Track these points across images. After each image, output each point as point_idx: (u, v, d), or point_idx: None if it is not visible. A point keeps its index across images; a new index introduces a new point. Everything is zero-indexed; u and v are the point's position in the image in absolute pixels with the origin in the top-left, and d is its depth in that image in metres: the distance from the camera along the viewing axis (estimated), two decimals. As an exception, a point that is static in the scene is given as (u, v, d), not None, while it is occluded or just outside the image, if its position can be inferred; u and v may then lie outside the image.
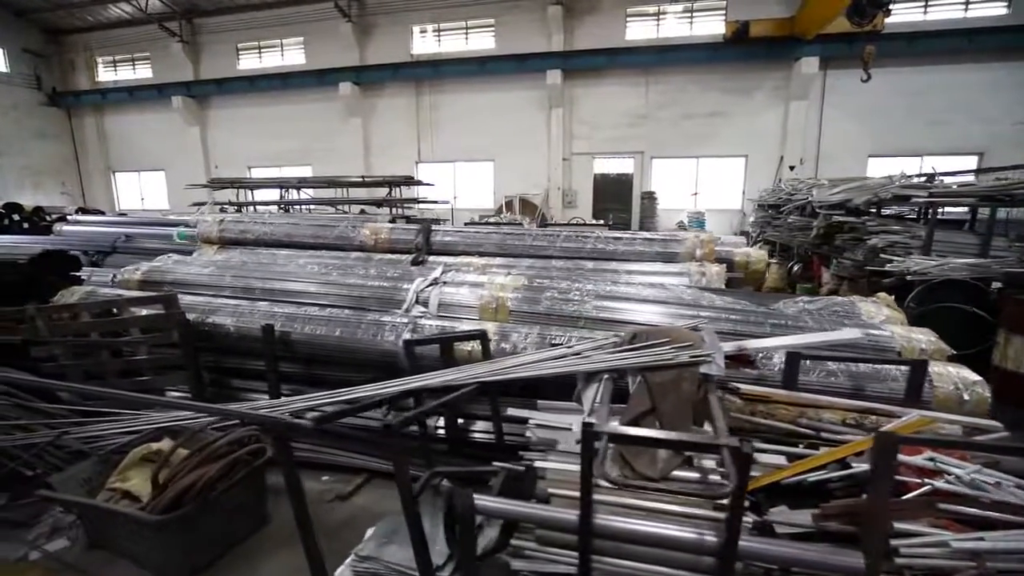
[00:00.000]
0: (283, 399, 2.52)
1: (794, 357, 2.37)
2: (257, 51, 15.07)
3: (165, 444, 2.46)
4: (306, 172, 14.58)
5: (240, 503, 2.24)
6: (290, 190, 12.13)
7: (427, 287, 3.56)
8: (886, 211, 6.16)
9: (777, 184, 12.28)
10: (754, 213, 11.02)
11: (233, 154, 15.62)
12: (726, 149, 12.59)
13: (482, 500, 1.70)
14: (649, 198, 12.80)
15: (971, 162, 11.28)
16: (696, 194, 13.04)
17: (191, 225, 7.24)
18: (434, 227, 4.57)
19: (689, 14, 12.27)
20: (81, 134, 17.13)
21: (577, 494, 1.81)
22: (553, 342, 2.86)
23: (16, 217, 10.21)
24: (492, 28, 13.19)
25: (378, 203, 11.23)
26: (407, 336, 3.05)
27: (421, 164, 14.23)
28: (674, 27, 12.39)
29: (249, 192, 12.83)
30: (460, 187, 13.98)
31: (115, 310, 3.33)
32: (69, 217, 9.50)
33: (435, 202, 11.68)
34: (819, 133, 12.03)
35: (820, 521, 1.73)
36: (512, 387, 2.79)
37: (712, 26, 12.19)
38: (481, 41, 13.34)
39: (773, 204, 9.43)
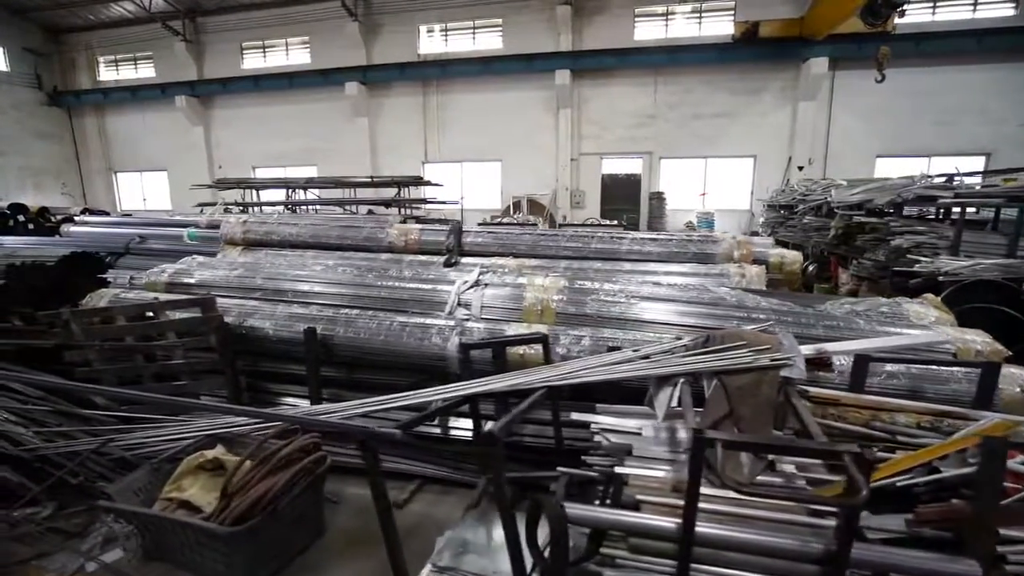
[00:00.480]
0: (343, 404, 2.46)
1: (863, 359, 2.34)
2: (261, 50, 14.96)
3: (218, 451, 2.40)
4: (311, 172, 14.48)
5: (301, 513, 2.18)
6: (296, 190, 12.06)
7: (468, 289, 3.52)
8: (907, 212, 6.16)
9: (786, 184, 12.32)
10: (764, 213, 11.04)
11: (237, 154, 15.50)
12: (735, 149, 12.60)
13: (573, 508, 1.65)
14: (658, 198, 12.80)
15: (978, 163, 11.35)
16: (704, 194, 13.05)
17: (201, 226, 7.19)
18: (464, 228, 4.52)
19: (698, 14, 12.28)
20: (82, 134, 16.94)
21: (669, 501, 1.77)
22: (611, 345, 2.81)
23: (21, 218, 10.08)
24: (500, 28, 13.15)
25: (386, 203, 11.15)
26: (455, 339, 3.00)
27: (428, 164, 14.16)
28: (683, 27, 12.39)
29: (254, 192, 12.73)
30: (467, 187, 13.92)
31: (151, 313, 3.26)
32: (76, 218, 9.37)
33: (444, 202, 11.62)
34: (827, 133, 12.06)
35: (916, 526, 1.69)
36: (563, 391, 2.76)
37: (720, 26, 12.20)
38: (488, 41, 13.30)
39: (785, 204, 9.44)
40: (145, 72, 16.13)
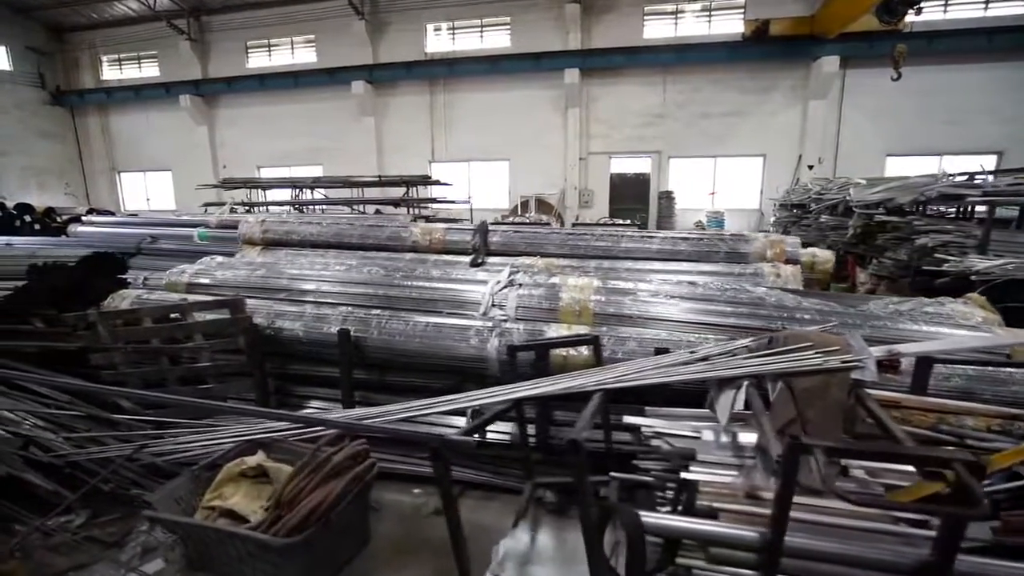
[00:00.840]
0: (386, 408, 2.39)
1: (925, 361, 2.27)
2: (267, 49, 14.86)
3: (259, 458, 2.32)
4: (316, 172, 14.37)
5: (348, 522, 2.11)
6: (304, 190, 11.98)
7: (502, 289, 3.45)
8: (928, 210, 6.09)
9: (796, 183, 12.27)
10: (775, 212, 10.98)
11: (242, 154, 15.40)
12: (744, 148, 12.54)
13: (649, 517, 1.58)
14: (667, 198, 12.74)
15: (989, 161, 11.29)
16: (714, 193, 12.99)
17: (211, 226, 7.10)
18: (490, 227, 4.45)
19: (707, 13, 12.22)
20: (85, 134, 16.83)
21: (749, 508, 1.70)
22: (657, 347, 2.74)
23: (27, 218, 9.98)
24: (508, 26, 13.07)
25: (395, 203, 11.09)
26: (495, 341, 2.94)
27: (435, 163, 14.08)
28: (692, 26, 12.33)
29: (261, 192, 12.65)
30: (474, 187, 13.84)
31: (178, 315, 3.19)
32: (83, 218, 9.27)
33: (452, 202, 11.55)
34: (837, 132, 12.01)
35: (1003, 534, 1.62)
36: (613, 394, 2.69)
37: (730, 25, 12.14)
38: (496, 39, 13.22)
39: (799, 203, 9.38)
40: (149, 71, 16.02)
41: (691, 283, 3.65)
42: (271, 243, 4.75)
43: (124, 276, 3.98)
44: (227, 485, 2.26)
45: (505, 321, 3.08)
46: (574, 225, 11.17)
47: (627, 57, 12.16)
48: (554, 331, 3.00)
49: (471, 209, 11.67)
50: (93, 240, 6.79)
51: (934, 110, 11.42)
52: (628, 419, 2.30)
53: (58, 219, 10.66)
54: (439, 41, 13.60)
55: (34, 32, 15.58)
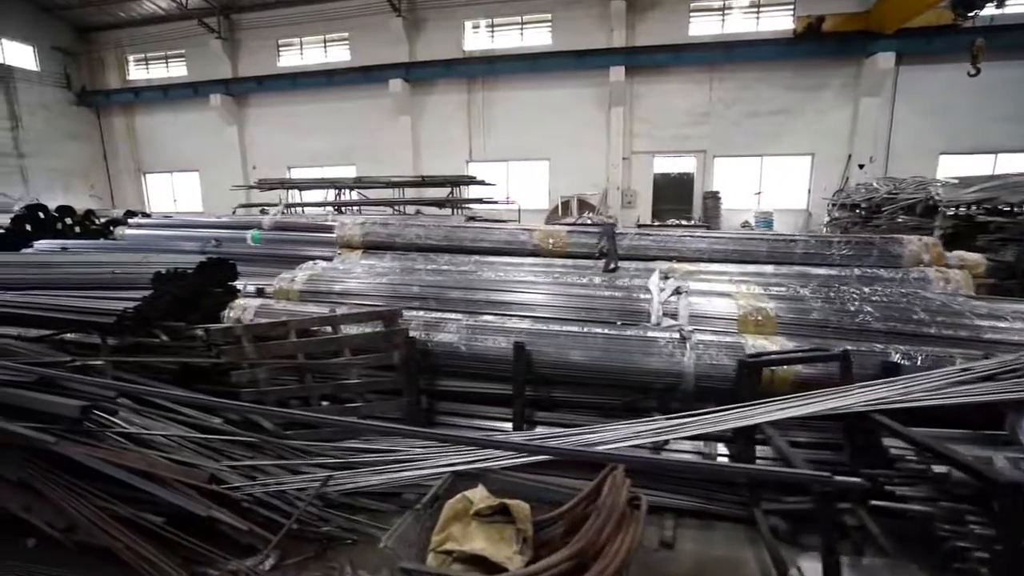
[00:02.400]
0: (604, 431, 2.12)
1: None
2: (299, 48, 14.60)
3: (482, 493, 2.05)
4: (349, 172, 14.12)
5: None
6: (342, 191, 11.72)
7: (670, 296, 3.19)
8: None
9: (845, 183, 12.01)
10: (830, 212, 10.69)
11: (272, 154, 15.14)
12: (792, 147, 12.27)
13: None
14: (713, 198, 12.47)
15: (1048, 160, 11.02)
16: (760, 193, 12.72)
17: (264, 228, 6.85)
18: (617, 230, 4.18)
19: (756, 9, 11.95)
20: (110, 134, 16.58)
21: None
22: (884, 361, 2.47)
23: (68, 221, 9.71)
24: (549, 24, 12.81)
25: (439, 203, 10.82)
26: (691, 354, 2.67)
27: (472, 163, 13.82)
28: (740, 23, 12.07)
29: (296, 193, 12.38)
30: (512, 187, 13.57)
31: (329, 328, 2.92)
32: (130, 221, 9.01)
33: (495, 202, 11.29)
34: (889, 131, 11.73)
35: None
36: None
37: (778, 21, 11.88)
38: (537, 37, 12.96)
39: (861, 203, 9.10)
40: (176, 71, 15.77)
41: (860, 289, 3.39)
42: (373, 246, 4.48)
43: (234, 284, 3.71)
44: (453, 525, 1.99)
45: (694, 332, 2.81)
46: (640, 226, 10.88)
47: (675, 55, 11.89)
48: (750, 343, 2.75)
49: (519, 210, 11.41)
50: (145, 243, 6.50)
51: (991, 107, 11.14)
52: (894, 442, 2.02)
53: (95, 222, 10.40)
54: (477, 39, 13.33)
55: (60, 32, 15.33)
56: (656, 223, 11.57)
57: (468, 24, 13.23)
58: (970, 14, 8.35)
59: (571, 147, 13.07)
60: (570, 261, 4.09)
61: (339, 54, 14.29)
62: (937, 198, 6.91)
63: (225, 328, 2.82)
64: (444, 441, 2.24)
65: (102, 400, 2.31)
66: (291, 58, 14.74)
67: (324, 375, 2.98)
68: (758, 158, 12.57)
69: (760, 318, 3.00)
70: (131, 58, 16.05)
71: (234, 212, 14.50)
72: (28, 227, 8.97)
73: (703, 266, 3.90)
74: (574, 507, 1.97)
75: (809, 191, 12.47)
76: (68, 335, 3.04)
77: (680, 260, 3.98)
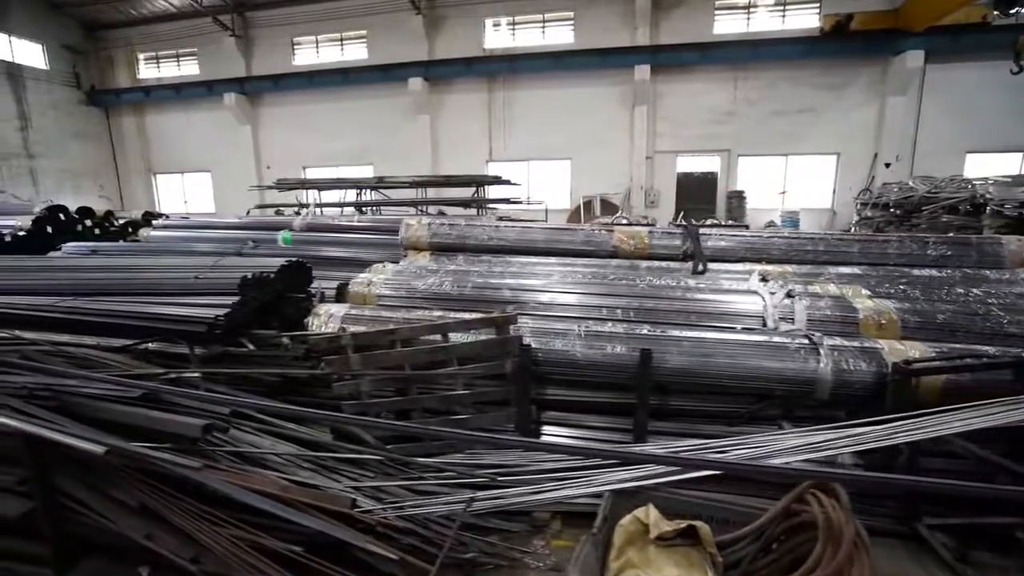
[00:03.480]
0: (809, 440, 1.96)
1: None
2: (314, 45, 14.38)
3: (651, 512, 1.89)
4: (366, 172, 13.92)
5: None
6: (350, 190, 11.51)
7: (783, 299, 3.04)
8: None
9: (871, 181, 11.95)
10: (859, 212, 10.61)
11: (287, 154, 14.91)
12: (817, 147, 12.19)
13: None
14: (738, 197, 12.37)
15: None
16: (784, 193, 12.63)
17: (296, 229, 6.69)
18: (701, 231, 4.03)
19: (781, 7, 11.86)
20: (119, 134, 16.29)
21: None
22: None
23: (88, 222, 9.47)
24: (571, 21, 12.67)
25: (464, 204, 10.65)
26: (827, 360, 2.52)
27: (492, 163, 13.65)
28: (765, 21, 11.97)
29: (312, 193, 12.14)
30: (533, 187, 13.41)
31: (439, 336, 2.75)
32: (154, 222, 8.78)
33: (519, 201, 11.11)
34: (915, 129, 11.66)
35: None
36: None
37: (803, 19, 11.79)
38: (559, 35, 12.81)
39: (898, 202, 9.01)
40: (187, 69, 15.51)
41: (969, 290, 3.26)
42: (440, 248, 4.31)
43: (311, 288, 3.54)
44: (629, 549, 1.83)
45: (824, 338, 2.66)
46: (679, 226, 10.71)
47: (700, 53, 11.78)
48: (885, 347, 2.60)
49: (546, 211, 11.26)
50: (174, 245, 6.28)
51: (1019, 105, 11.07)
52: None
53: (115, 223, 10.17)
54: (497, 37, 13.17)
55: (69, 30, 15.04)
56: (693, 222, 11.41)
57: (489, 22, 13.06)
58: (1011, 11, 8.26)
59: (593, 146, 12.93)
60: (654, 263, 3.94)
61: (356, 52, 14.08)
62: (988, 196, 6.81)
63: (331, 336, 2.64)
64: (597, 456, 2.08)
65: (217, 417, 2.14)
66: (306, 56, 14.52)
67: (427, 386, 2.81)
68: (783, 157, 12.47)
69: (884, 321, 2.86)
70: (141, 56, 15.77)
71: (247, 213, 14.30)
72: (49, 229, 8.75)
73: (790, 268, 3.76)
74: (763, 527, 1.82)
75: (834, 190, 12.39)
76: (150, 344, 2.85)
77: (769, 262, 3.84)
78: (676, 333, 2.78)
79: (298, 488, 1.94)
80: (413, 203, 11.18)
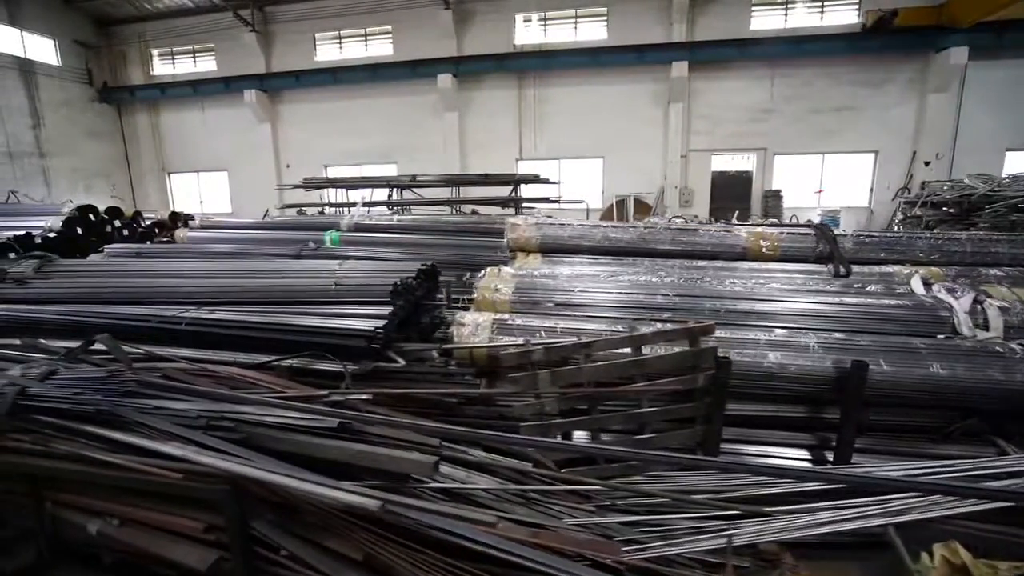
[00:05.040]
0: None
1: None
2: (337, 41, 14.02)
3: (961, 552, 1.64)
4: (390, 170, 13.63)
5: None
6: (391, 189, 11.20)
7: (973, 304, 2.80)
8: None
9: (909, 180, 11.83)
10: (904, 211, 10.45)
11: (307, 152, 14.55)
12: (855, 144, 12.03)
13: None
14: (775, 196, 12.19)
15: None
16: (821, 192, 12.47)
17: (343, 229, 6.41)
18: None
19: (820, 3, 11.68)
20: (133, 132, 15.82)
21: None
22: None
23: (117, 223, 9.08)
24: (604, 17, 12.41)
25: (503, 203, 10.37)
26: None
27: (522, 161, 13.38)
28: (803, 17, 11.79)
29: (336, 193, 11.81)
30: (564, 186, 13.14)
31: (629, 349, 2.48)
32: (191, 223, 8.42)
33: (555, 200, 10.84)
34: (956, 127, 11.54)
35: None
36: None
37: (842, 15, 11.63)
38: (592, 31, 12.56)
39: (953, 201, 8.85)
40: (204, 66, 15.08)
41: None
42: (550, 250, 4.04)
43: (440, 294, 3.25)
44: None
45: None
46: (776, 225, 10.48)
47: (739, 50, 11.57)
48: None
49: (587, 210, 11.01)
50: (216, 247, 5.87)
51: (1060, 103, 11.01)
52: None
53: (143, 223, 9.78)
54: (528, 33, 12.88)
55: (81, 25, 14.55)
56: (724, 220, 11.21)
57: (519, 17, 12.78)
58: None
59: (626, 145, 12.69)
60: (790, 265, 3.69)
61: (380, 48, 13.73)
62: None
63: (521, 351, 2.36)
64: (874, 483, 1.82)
65: (423, 447, 1.86)
66: (328, 52, 14.15)
67: (610, 404, 2.54)
68: (819, 156, 12.31)
69: (1096, 330, 2.63)
70: (155, 52, 15.31)
71: (266, 214, 13.91)
72: (79, 230, 8.38)
73: (936, 269, 3.53)
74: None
75: (871, 189, 12.25)
76: (290, 360, 2.55)
77: (914, 263, 3.61)
78: (870, 341, 2.54)
79: (550, 534, 1.66)
80: (448, 202, 10.89)
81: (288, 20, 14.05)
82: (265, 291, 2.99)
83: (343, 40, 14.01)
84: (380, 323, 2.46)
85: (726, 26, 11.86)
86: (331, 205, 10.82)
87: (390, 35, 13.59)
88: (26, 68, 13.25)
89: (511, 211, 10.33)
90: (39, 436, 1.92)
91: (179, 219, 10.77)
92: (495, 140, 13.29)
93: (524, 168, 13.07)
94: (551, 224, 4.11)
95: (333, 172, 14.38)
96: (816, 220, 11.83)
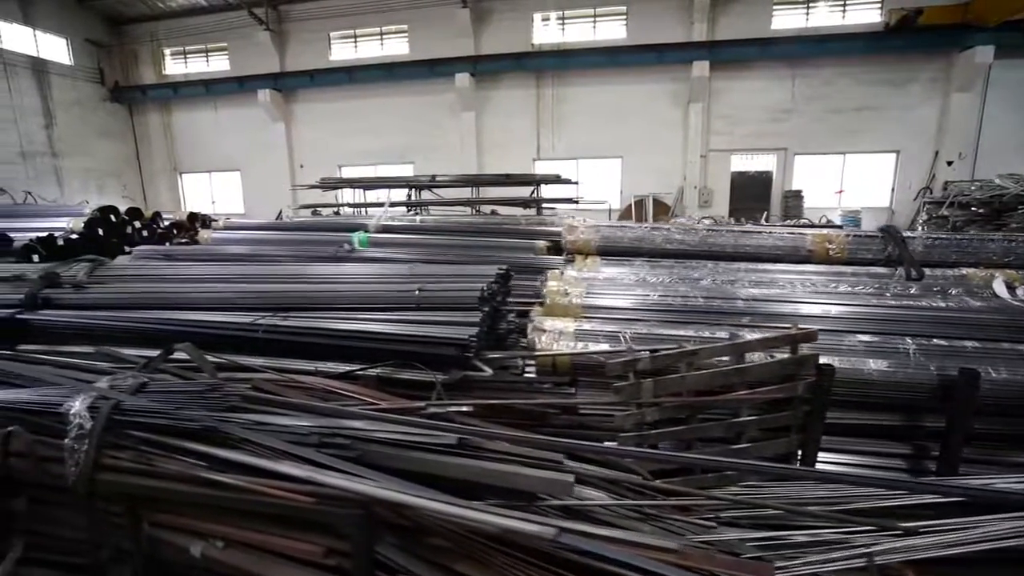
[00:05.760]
0: None
1: None
2: (352, 40, 13.92)
3: None
4: (406, 171, 13.54)
5: None
6: (410, 190, 11.10)
7: (1076, 313, 2.70)
8: None
9: (931, 180, 11.76)
10: (928, 211, 10.35)
11: (321, 152, 14.45)
12: (876, 144, 11.95)
13: None
14: (795, 197, 12.10)
15: None
16: (841, 192, 12.39)
17: (370, 230, 6.31)
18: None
19: (842, 2, 11.59)
20: (144, 132, 15.72)
21: None
22: None
23: (137, 224, 8.98)
24: (623, 16, 12.32)
25: (524, 203, 10.27)
26: None
27: (539, 161, 13.29)
28: (825, 16, 11.70)
29: (351, 193, 11.70)
30: (581, 186, 13.06)
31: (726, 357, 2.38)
32: (214, 224, 8.32)
33: (575, 201, 10.75)
34: (979, 127, 11.45)
35: None
36: None
37: (865, 15, 11.54)
38: (610, 30, 12.47)
39: (982, 201, 8.77)
40: (217, 65, 14.98)
41: None
42: (610, 253, 3.95)
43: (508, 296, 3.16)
44: None
45: None
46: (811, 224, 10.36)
47: (761, 49, 11.49)
48: None
49: (609, 211, 10.92)
50: (241, 249, 5.69)
51: (1085, 102, 10.93)
52: None
53: (162, 224, 9.68)
54: (546, 32, 12.79)
55: (93, 23, 14.45)
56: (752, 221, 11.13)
57: (537, 16, 12.68)
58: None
59: (644, 145, 12.60)
60: (860, 269, 3.60)
61: (396, 47, 13.64)
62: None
63: (627, 360, 2.27)
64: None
65: (551, 464, 1.76)
66: (343, 51, 14.05)
67: (707, 413, 2.45)
68: (840, 156, 12.23)
69: None
70: (167, 52, 15.21)
71: (280, 214, 13.82)
72: (100, 231, 8.29)
73: (1013, 272, 3.44)
74: None
75: (893, 189, 12.17)
76: (374, 369, 2.46)
77: (987, 266, 3.52)
78: (975, 346, 2.44)
79: (700, 556, 1.57)
80: (468, 203, 10.80)
81: (302, 19, 13.95)
82: (331, 297, 2.89)
83: (358, 39, 13.91)
84: (471, 331, 2.37)
85: (747, 25, 11.77)
86: (351, 206, 10.72)
87: (406, 34, 13.49)
88: (39, 67, 13.15)
89: (532, 212, 10.25)
90: (137, 453, 1.82)
91: (197, 220, 10.68)
92: (512, 140, 13.20)
93: (541, 168, 12.99)
94: (609, 226, 4.02)
95: (347, 172, 14.30)
96: (838, 221, 11.77)
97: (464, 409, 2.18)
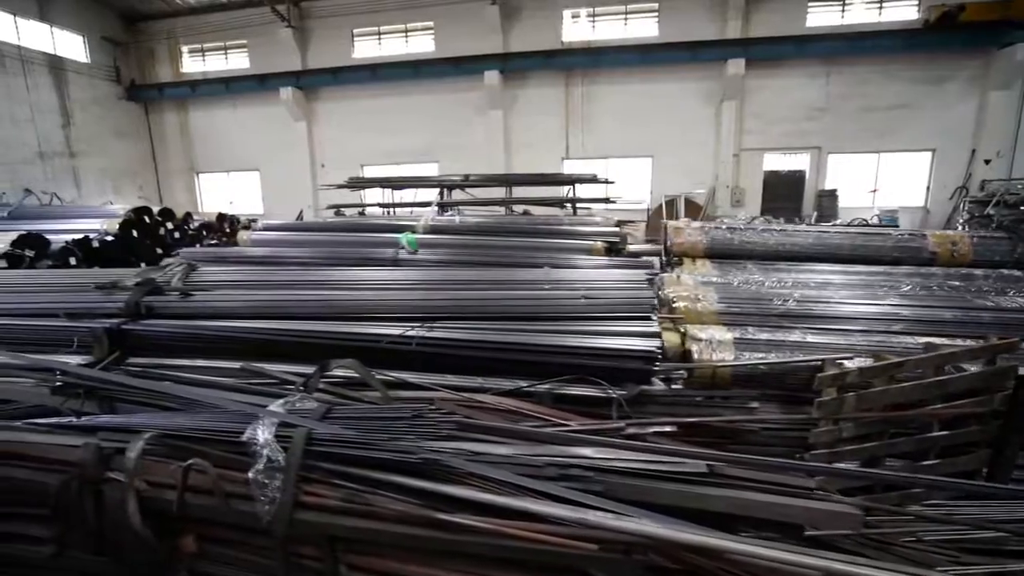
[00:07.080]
0: None
1: None
2: (376, 37, 13.68)
3: None
4: (432, 170, 13.33)
5: None
6: (442, 190, 10.89)
7: None
8: None
9: (968, 179, 11.63)
10: (969, 210, 10.22)
11: (344, 151, 14.21)
12: (911, 143, 11.82)
13: None
14: (830, 196, 11.96)
15: None
16: (875, 191, 12.25)
17: (418, 231, 6.12)
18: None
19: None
20: (160, 131, 15.44)
21: None
22: None
23: (169, 226, 8.75)
24: (655, 13, 12.14)
25: (561, 203, 10.09)
26: None
27: (568, 160, 13.10)
28: (860, 13, 11.56)
29: (381, 192, 11.48)
30: (611, 186, 12.88)
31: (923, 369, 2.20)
32: (253, 225, 8.09)
33: (612, 201, 10.58)
34: (1017, 125, 11.32)
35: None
36: None
37: (901, 11, 11.41)
38: (642, 27, 12.28)
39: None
40: (236, 63, 14.71)
41: None
42: (720, 256, 3.76)
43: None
44: None
45: None
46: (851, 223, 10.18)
47: (796, 46, 11.33)
48: None
49: (647, 211, 10.74)
50: (284, 252, 5.38)
51: (1124, 100, 10.82)
52: None
53: (192, 225, 9.48)
54: (575, 29, 12.59)
55: (110, 21, 14.16)
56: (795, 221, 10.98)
57: (567, 13, 12.49)
58: None
59: (676, 144, 12.43)
60: (992, 271, 3.42)
61: (421, 44, 13.41)
62: None
63: (835, 374, 2.09)
64: None
65: (803, 491, 1.57)
66: (367, 49, 13.81)
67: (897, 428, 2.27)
68: (875, 155, 12.09)
69: None
70: (185, 49, 14.92)
71: (300, 214, 13.58)
72: (134, 232, 8.07)
73: None
74: None
75: (928, 188, 12.04)
76: (544, 385, 2.26)
77: None
78: None
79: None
80: (503, 202, 10.59)
81: (325, 16, 13.71)
82: (480, 305, 2.68)
83: (382, 36, 13.67)
84: (655, 341, 2.17)
85: (782, 22, 11.61)
86: (383, 206, 10.50)
87: (432, 31, 13.27)
88: (56, 65, 12.86)
89: (566, 212, 10.06)
90: (336, 488, 1.62)
91: (225, 220, 10.47)
92: (540, 139, 13.01)
93: (570, 167, 12.80)
94: (716, 228, 3.83)
95: (370, 172, 14.06)
96: (874, 220, 11.63)
97: (667, 429, 1.99)
